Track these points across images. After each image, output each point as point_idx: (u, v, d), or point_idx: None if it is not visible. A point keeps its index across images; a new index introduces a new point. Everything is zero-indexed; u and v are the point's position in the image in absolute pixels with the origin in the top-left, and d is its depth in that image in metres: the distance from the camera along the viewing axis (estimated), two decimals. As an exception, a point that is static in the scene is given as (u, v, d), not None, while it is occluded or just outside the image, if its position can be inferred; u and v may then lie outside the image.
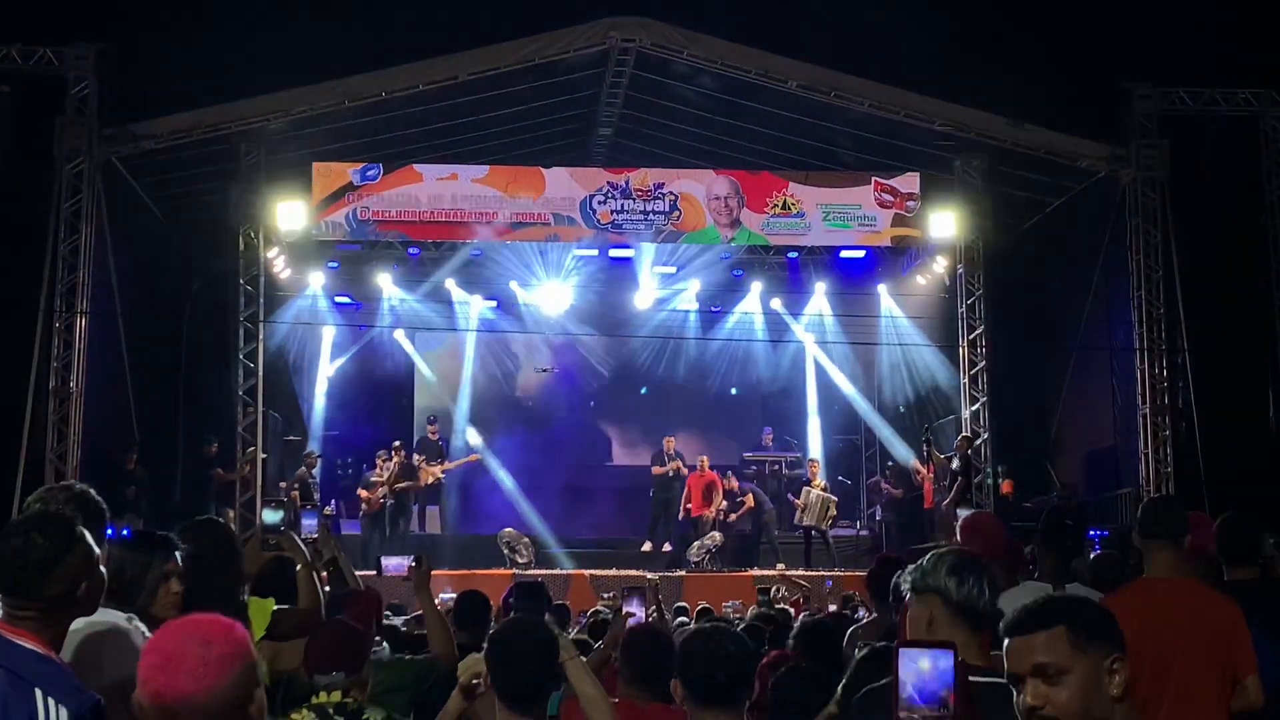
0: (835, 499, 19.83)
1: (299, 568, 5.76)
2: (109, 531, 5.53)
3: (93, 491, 4.09)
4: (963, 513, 8.59)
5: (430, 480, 19.90)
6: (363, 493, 19.03)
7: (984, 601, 3.39)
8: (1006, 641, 2.85)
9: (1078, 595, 3.18)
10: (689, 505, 19.62)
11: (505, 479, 21.33)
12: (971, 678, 3.31)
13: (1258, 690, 4.88)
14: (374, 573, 8.02)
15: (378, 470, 19.17)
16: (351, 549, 18.91)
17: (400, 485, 19.27)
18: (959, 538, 5.50)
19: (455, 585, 15.77)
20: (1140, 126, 18.16)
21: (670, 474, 19.79)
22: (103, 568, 3.42)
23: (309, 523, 8.87)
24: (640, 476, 20.93)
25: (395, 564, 7.23)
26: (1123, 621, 4.89)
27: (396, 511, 19.31)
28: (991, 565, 3.50)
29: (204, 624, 2.66)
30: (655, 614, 8.87)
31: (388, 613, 10.24)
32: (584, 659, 4.55)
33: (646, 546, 19.72)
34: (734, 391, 23.38)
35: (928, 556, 3.51)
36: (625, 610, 6.21)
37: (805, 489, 19.57)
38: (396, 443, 19.90)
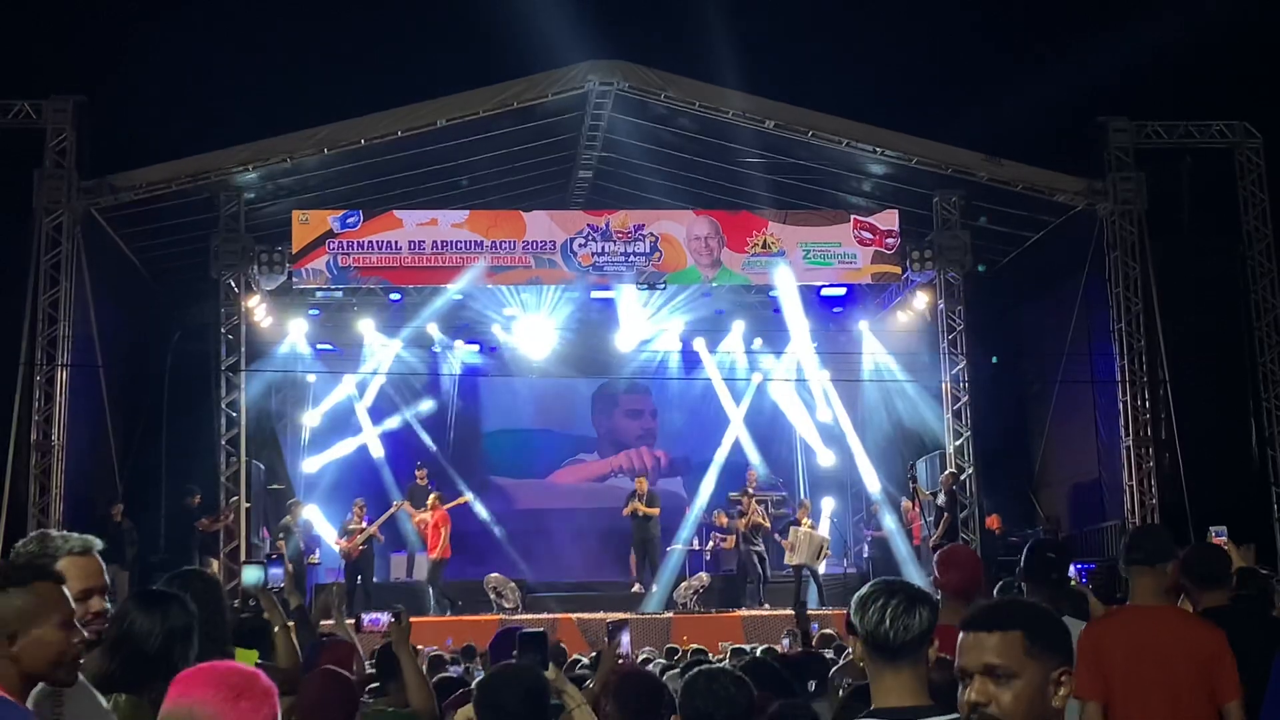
0: (827, 538, 19.74)
1: (276, 629, 5.76)
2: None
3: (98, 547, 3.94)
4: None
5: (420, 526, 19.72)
6: (341, 542, 18.86)
7: (884, 629, 3.12)
8: (963, 635, 2.86)
9: (1038, 603, 3.13)
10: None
11: (491, 523, 21.24)
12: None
13: (1240, 717, 4.87)
14: (351, 622, 7.87)
15: (354, 519, 18.96)
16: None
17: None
18: (936, 572, 5.49)
19: (442, 631, 15.71)
20: (1116, 160, 18.32)
21: (640, 515, 19.58)
22: (86, 632, 3.35)
23: (275, 572, 8.82)
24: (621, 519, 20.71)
25: (373, 619, 7.08)
26: (1107, 649, 4.93)
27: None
28: (930, 596, 3.25)
29: (248, 675, 2.85)
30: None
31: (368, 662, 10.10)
32: (589, 708, 4.57)
33: (636, 588, 19.59)
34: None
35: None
36: (614, 640, 6.19)
37: (793, 529, 19.49)
38: (359, 500, 19.52)
